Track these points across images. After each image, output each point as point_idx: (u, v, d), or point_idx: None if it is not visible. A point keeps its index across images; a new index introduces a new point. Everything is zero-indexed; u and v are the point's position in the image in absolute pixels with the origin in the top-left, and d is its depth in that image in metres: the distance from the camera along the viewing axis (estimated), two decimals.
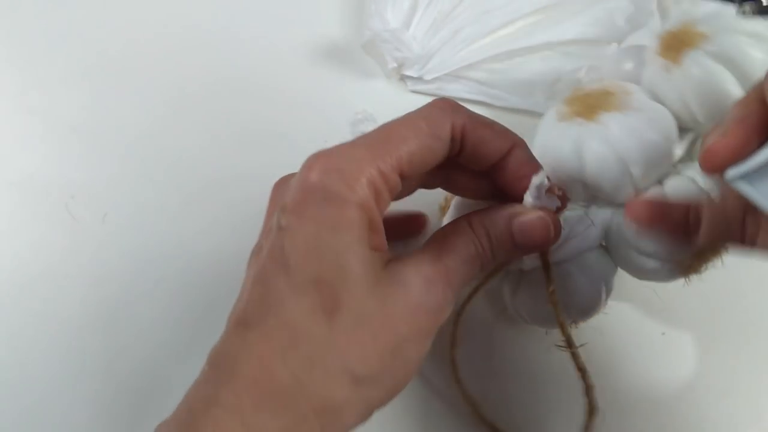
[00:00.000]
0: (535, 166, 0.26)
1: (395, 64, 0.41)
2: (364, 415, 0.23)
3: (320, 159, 0.23)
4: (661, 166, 0.27)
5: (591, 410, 0.28)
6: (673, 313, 0.35)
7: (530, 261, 0.29)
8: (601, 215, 0.29)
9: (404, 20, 0.42)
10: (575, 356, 0.28)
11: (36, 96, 0.42)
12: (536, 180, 0.25)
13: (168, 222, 0.37)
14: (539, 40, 0.40)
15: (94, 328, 0.35)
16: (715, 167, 0.22)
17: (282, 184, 0.28)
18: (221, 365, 0.22)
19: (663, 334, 0.35)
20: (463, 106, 0.26)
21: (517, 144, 0.26)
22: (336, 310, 0.22)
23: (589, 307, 0.29)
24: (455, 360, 0.31)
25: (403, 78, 0.42)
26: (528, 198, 0.26)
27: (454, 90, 0.42)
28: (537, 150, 0.28)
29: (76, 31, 0.44)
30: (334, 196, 0.22)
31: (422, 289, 0.23)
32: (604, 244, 0.30)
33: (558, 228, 0.26)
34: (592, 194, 0.28)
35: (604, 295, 0.29)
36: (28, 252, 0.37)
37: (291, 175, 0.27)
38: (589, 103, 0.28)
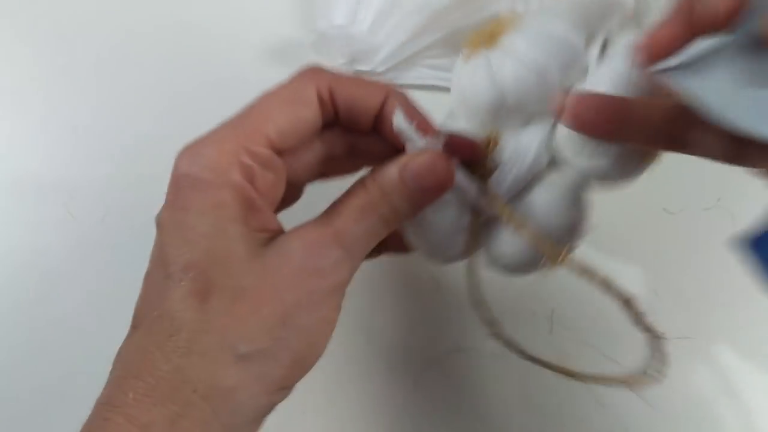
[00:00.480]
0: (411, 111, 0.25)
1: (346, 60, 0.41)
2: (267, 393, 0.23)
3: (186, 149, 0.24)
4: (575, 64, 0.27)
5: (652, 335, 0.24)
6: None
7: (486, 207, 0.27)
8: (540, 133, 0.28)
9: (349, 15, 0.42)
10: (603, 283, 0.25)
11: (35, 96, 0.42)
12: (395, 122, 0.25)
13: None
14: (481, 16, 0.40)
15: (93, 327, 0.35)
16: (651, 58, 0.21)
17: None
18: (116, 368, 0.22)
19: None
20: (327, 69, 0.26)
21: (390, 94, 0.26)
22: (209, 292, 0.22)
23: (573, 227, 0.28)
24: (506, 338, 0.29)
25: (357, 73, 0.42)
26: (408, 145, 0.25)
27: (410, 78, 0.42)
28: (455, 98, 0.28)
29: (76, 31, 0.44)
30: (201, 182, 0.23)
31: (304, 253, 0.23)
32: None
33: (446, 165, 0.25)
34: (523, 117, 0.28)
35: (580, 210, 0.28)
36: (28, 251, 0.37)
37: None
38: (488, 35, 0.28)
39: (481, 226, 0.28)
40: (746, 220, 0.22)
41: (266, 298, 0.22)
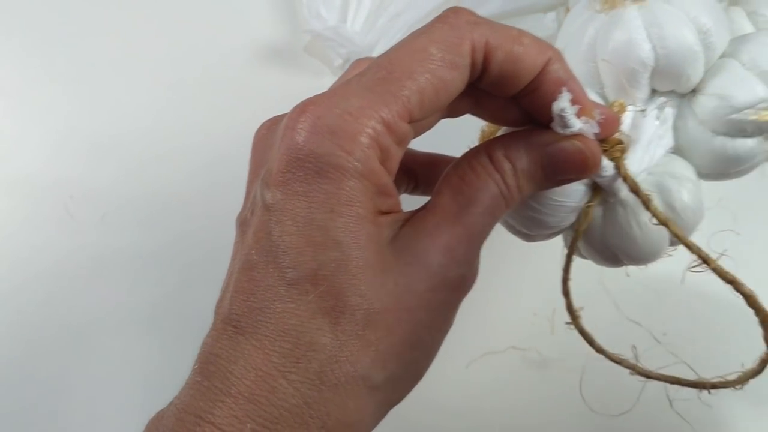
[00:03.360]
0: (573, 84, 0.21)
1: (341, 60, 0.41)
2: (380, 419, 0.21)
3: (307, 113, 0.19)
4: (726, 30, 0.25)
5: (764, 318, 0.25)
6: None
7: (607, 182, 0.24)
8: (668, 112, 0.25)
9: (340, 15, 0.42)
10: (718, 271, 0.24)
11: (35, 96, 0.42)
12: (558, 106, 0.21)
13: (167, 222, 0.38)
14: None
15: (93, 327, 0.35)
16: None
17: (265, 132, 0.23)
18: (214, 374, 0.19)
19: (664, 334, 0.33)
20: (482, 18, 0.20)
21: (553, 58, 0.21)
22: (341, 312, 0.19)
23: (695, 220, 0.26)
24: (586, 332, 0.27)
25: None
26: (556, 127, 0.21)
27: None
28: (579, 51, 0.25)
29: (75, 33, 0.45)
30: (328, 166, 0.19)
31: (442, 261, 0.20)
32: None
33: (596, 157, 0.22)
34: (653, 89, 0.25)
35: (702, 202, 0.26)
36: (27, 251, 0.37)
37: (276, 119, 0.23)
38: None
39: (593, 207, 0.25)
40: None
41: (400, 319, 0.19)
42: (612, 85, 0.25)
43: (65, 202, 0.38)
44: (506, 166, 0.22)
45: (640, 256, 0.26)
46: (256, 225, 0.20)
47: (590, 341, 0.27)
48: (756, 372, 0.26)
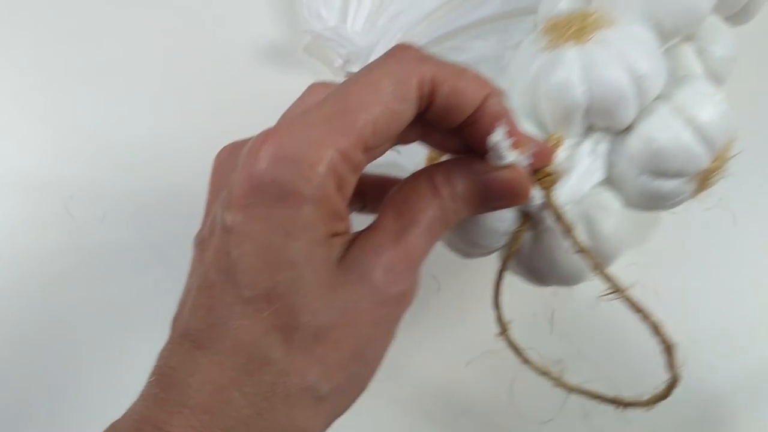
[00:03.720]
0: (509, 119, 0.22)
1: (341, 61, 0.41)
2: (326, 429, 0.22)
3: (270, 142, 0.20)
4: (662, 74, 0.26)
5: (667, 348, 0.26)
6: None
7: (536, 210, 0.26)
8: (602, 147, 0.27)
9: (340, 16, 0.42)
10: (629, 300, 0.26)
11: (35, 96, 0.42)
12: (492, 139, 0.22)
13: (167, 222, 0.37)
14: (477, 16, 0.40)
15: (92, 328, 0.35)
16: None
17: (226, 157, 0.25)
18: (170, 386, 0.20)
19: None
20: (429, 54, 0.22)
21: (491, 93, 0.22)
22: (293, 329, 0.20)
23: (616, 250, 0.27)
24: (514, 343, 0.29)
25: (349, 74, 0.38)
26: (491, 158, 0.23)
27: None
28: (523, 85, 0.26)
29: (75, 33, 0.44)
30: (288, 192, 0.20)
31: (384, 279, 0.21)
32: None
33: (525, 187, 0.24)
34: (590, 125, 0.26)
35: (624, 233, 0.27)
36: (28, 251, 0.37)
37: (237, 145, 0.24)
38: (577, 27, 0.26)
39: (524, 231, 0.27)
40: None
41: (346, 336, 0.21)
42: (551, 120, 0.26)
43: (66, 202, 0.38)
44: (445, 191, 0.23)
45: (564, 279, 0.28)
46: (216, 245, 0.21)
47: (518, 352, 0.29)
48: (663, 396, 0.27)
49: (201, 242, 0.23)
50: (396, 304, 0.22)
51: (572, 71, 0.25)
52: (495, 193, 0.23)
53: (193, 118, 0.41)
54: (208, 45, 0.44)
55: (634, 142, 0.26)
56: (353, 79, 0.21)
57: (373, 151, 0.22)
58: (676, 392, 0.30)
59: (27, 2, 0.46)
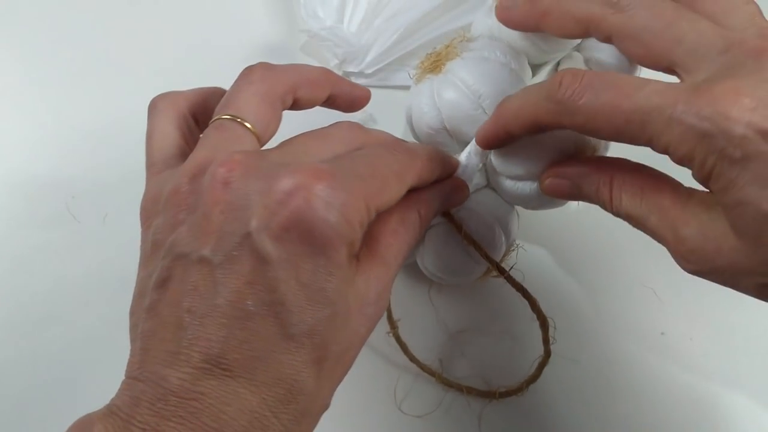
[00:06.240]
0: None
1: (338, 61, 0.42)
2: None
3: (323, 182, 0.21)
4: (508, 89, 0.29)
5: (542, 322, 0.29)
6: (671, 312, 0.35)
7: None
8: (481, 155, 0.30)
9: (336, 16, 0.42)
10: (510, 279, 0.29)
11: (36, 96, 0.42)
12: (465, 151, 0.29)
13: None
14: (473, 17, 0.38)
15: (94, 329, 0.35)
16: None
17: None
18: (202, 411, 0.20)
19: (662, 334, 0.35)
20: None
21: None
22: (324, 359, 0.21)
23: (499, 244, 0.31)
24: (400, 339, 0.32)
25: (346, 74, 0.43)
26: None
27: (399, 79, 0.42)
28: (412, 116, 0.31)
29: (75, 33, 0.45)
30: (333, 236, 0.21)
31: (375, 308, 0.24)
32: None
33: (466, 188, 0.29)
34: (462, 140, 0.30)
35: (500, 235, 0.31)
36: (29, 251, 0.37)
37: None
38: (435, 60, 0.30)
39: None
40: None
41: (349, 357, 0.23)
42: (427, 141, 0.31)
43: (67, 203, 0.39)
44: (421, 221, 0.26)
45: (456, 274, 0.31)
46: (250, 274, 0.21)
47: (404, 349, 0.32)
48: (534, 377, 0.30)
49: (201, 258, 0.22)
50: (378, 317, 0.24)
51: (427, 100, 0.30)
52: (452, 201, 0.29)
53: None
54: (206, 45, 0.44)
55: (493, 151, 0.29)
56: (386, 148, 0.25)
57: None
58: (677, 392, 0.33)
59: (27, 2, 0.46)
